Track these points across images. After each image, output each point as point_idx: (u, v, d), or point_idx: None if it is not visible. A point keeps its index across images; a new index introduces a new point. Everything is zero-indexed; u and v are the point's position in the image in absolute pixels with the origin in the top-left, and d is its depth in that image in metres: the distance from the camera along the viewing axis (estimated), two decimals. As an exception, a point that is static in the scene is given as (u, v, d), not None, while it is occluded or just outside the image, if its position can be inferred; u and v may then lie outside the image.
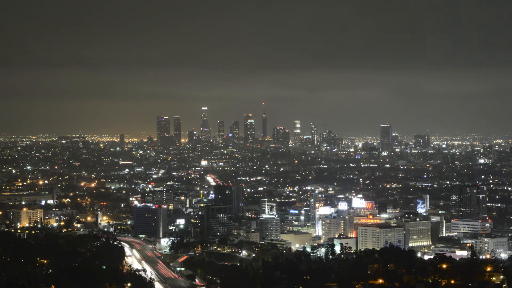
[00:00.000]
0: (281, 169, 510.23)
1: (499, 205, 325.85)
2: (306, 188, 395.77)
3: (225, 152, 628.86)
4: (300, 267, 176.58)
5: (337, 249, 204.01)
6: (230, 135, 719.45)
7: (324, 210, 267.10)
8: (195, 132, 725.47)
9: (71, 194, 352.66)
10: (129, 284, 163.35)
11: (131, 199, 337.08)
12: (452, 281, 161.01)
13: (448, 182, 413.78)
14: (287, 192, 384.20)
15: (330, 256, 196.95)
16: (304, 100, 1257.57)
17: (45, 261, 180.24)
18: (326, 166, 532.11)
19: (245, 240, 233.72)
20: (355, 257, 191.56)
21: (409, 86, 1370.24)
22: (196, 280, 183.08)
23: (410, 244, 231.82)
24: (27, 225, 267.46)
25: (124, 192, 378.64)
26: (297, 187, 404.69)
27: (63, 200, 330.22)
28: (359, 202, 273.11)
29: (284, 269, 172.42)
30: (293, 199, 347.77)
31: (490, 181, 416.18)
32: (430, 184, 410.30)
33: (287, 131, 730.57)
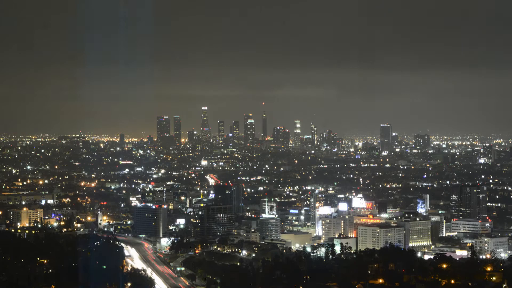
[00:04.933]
0: (281, 169, 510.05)
1: (499, 205, 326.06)
2: (306, 188, 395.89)
3: (225, 152, 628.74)
4: (300, 267, 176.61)
5: (337, 249, 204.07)
6: (230, 135, 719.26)
7: (324, 210, 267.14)
8: (195, 132, 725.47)
9: (71, 194, 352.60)
10: (129, 284, 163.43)
11: (131, 199, 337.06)
12: (452, 281, 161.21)
13: (448, 182, 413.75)
14: (287, 192, 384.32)
15: (330, 256, 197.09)
16: (304, 100, 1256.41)
17: (45, 261, 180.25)
18: (326, 166, 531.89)
19: (245, 240, 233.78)
20: (355, 257, 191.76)
21: (409, 86, 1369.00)
22: (196, 280, 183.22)
23: (410, 244, 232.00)
24: (27, 225, 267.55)
25: (124, 192, 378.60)
26: (297, 187, 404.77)
27: (63, 200, 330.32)
28: (359, 202, 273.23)
29: (284, 269, 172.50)
30: (293, 199, 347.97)
31: (490, 181, 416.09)
32: (430, 184, 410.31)
33: (287, 131, 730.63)
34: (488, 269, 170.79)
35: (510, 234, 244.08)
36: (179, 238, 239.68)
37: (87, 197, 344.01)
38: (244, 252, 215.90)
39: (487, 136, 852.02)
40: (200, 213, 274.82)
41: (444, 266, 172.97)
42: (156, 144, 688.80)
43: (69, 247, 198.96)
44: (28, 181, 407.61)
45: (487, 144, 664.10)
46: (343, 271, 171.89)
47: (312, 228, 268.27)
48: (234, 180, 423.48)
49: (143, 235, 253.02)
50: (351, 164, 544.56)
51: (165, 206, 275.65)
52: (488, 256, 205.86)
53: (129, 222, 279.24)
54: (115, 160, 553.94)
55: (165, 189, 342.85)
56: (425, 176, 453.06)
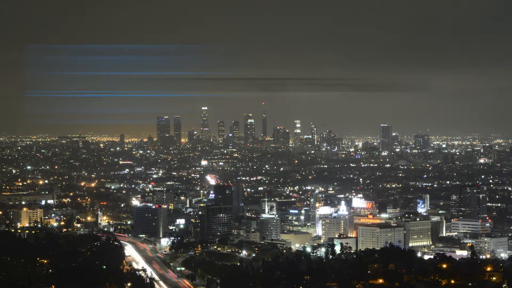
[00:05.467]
0: (281, 169, 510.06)
1: (499, 205, 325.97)
2: (306, 188, 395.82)
3: (225, 152, 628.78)
4: (300, 267, 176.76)
5: (337, 249, 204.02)
6: (230, 135, 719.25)
7: (324, 210, 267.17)
8: (195, 132, 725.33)
9: (71, 194, 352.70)
10: (129, 284, 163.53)
11: (131, 199, 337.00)
12: (452, 281, 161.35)
13: (448, 182, 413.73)
14: (287, 192, 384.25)
15: (330, 256, 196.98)
16: (304, 100, 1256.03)
17: (45, 261, 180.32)
18: (326, 166, 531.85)
19: (245, 240, 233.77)
20: (355, 257, 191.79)
21: (409, 86, 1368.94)
22: (196, 280, 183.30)
23: (410, 244, 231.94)
24: (27, 225, 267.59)
25: (124, 192, 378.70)
26: (297, 187, 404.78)
27: (63, 200, 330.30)
28: (359, 202, 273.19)
29: (284, 269, 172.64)
30: (293, 199, 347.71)
31: (490, 181, 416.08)
32: (430, 184, 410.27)
33: (287, 131, 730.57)
34: (488, 269, 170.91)
35: (510, 234, 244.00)
36: (179, 238, 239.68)
37: (87, 197, 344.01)
38: (244, 252, 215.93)
39: (487, 136, 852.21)
40: (200, 213, 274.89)
41: (444, 266, 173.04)
42: (156, 144, 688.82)
43: (69, 247, 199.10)
44: (28, 181, 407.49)
45: (487, 144, 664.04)
46: (343, 271, 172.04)
47: (312, 228, 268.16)
48: (234, 180, 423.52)
49: (143, 235, 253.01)
50: (351, 164, 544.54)
51: (165, 206, 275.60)
52: (488, 256, 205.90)
53: (129, 222, 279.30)
54: (115, 160, 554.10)
55: (165, 189, 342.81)
56: (425, 176, 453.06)
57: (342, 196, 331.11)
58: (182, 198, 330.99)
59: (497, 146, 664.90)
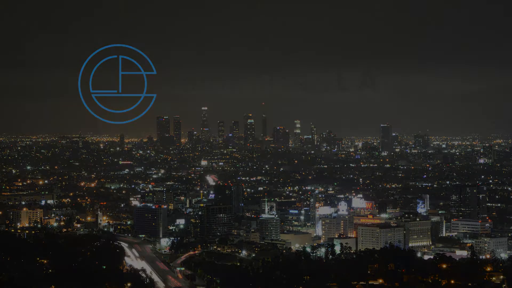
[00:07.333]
0: (281, 169, 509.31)
1: (499, 205, 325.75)
2: (306, 188, 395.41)
3: (225, 152, 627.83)
4: (300, 267, 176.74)
5: (337, 249, 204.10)
6: (230, 135, 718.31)
7: (324, 210, 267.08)
8: (195, 132, 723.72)
9: (71, 194, 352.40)
10: (129, 284, 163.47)
11: (131, 199, 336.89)
12: (452, 281, 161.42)
13: (448, 182, 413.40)
14: (287, 192, 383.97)
15: (330, 256, 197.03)
16: (304, 100, 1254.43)
17: (45, 261, 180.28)
18: (326, 166, 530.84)
19: (245, 240, 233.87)
20: (355, 257, 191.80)
21: (409, 86, 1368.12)
22: (196, 280, 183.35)
23: (410, 244, 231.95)
24: (27, 225, 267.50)
25: (124, 192, 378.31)
26: (297, 187, 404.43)
27: (63, 200, 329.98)
28: (359, 202, 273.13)
29: (284, 269, 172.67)
30: (293, 199, 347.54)
31: (490, 181, 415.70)
32: (430, 184, 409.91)
33: (287, 131, 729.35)
34: (488, 269, 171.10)
35: (510, 234, 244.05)
36: (179, 238, 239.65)
37: (87, 197, 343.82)
38: (244, 252, 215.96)
39: (487, 136, 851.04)
40: (200, 213, 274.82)
41: (444, 266, 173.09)
42: (156, 144, 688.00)
43: (69, 247, 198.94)
44: (28, 181, 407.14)
45: (487, 144, 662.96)
46: (343, 271, 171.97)
47: (312, 228, 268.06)
48: (234, 180, 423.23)
49: (143, 235, 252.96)
50: (351, 164, 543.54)
51: (165, 206, 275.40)
52: (488, 256, 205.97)
53: (129, 222, 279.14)
54: (115, 160, 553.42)
55: (165, 189, 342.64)
56: (425, 176, 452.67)
57: (342, 196, 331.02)
58: (182, 198, 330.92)
59: (497, 146, 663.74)
